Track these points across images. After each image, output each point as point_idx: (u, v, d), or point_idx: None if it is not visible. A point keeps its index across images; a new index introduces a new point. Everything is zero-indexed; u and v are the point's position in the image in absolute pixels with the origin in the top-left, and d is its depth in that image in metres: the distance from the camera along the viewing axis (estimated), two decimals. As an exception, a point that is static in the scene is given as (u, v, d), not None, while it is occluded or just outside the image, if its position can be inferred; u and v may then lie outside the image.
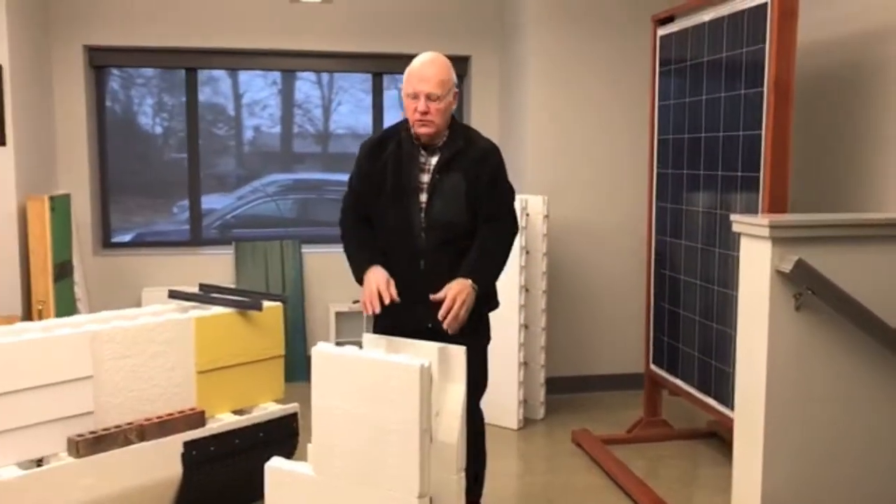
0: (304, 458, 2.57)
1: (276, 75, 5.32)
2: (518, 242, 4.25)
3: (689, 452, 4.03)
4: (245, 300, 3.25)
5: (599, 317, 4.93)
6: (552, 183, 4.75)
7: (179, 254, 5.10)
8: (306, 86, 5.40)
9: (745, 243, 2.74)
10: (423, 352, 2.50)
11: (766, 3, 3.11)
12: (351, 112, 5.39)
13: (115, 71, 5.13)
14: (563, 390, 4.82)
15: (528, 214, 4.34)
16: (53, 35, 4.77)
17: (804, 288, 2.59)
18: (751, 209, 3.21)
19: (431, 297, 2.71)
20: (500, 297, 4.36)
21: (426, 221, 2.79)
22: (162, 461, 2.94)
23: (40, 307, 4.18)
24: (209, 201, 5.35)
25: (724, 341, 3.41)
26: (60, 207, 4.39)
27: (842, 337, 2.68)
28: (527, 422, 4.42)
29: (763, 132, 3.14)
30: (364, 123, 5.39)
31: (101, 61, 4.95)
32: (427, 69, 2.77)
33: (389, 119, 5.36)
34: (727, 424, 3.24)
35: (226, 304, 3.24)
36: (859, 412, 2.74)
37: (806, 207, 3.53)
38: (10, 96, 4.15)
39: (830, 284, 2.60)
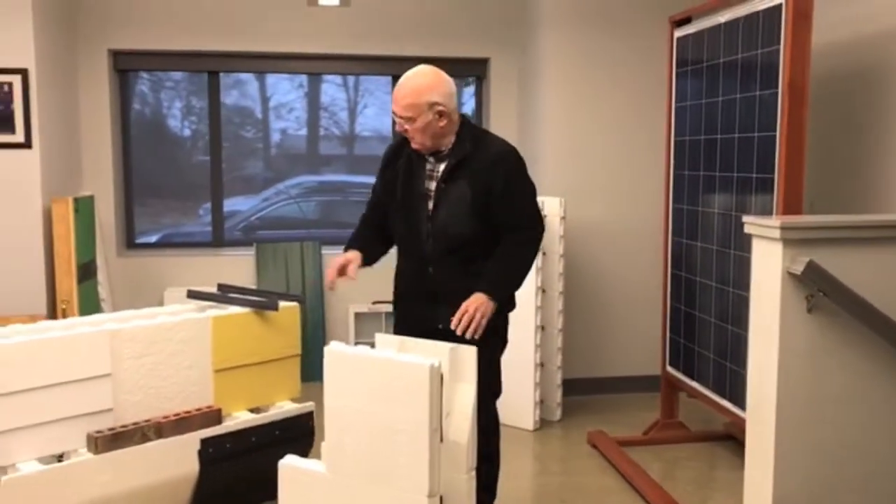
0: (319, 456, 2.61)
1: (303, 78, 5.38)
2: (535, 244, 4.27)
3: (705, 455, 4.02)
4: (261, 300, 3.30)
5: (616, 318, 4.92)
6: (569, 184, 4.76)
7: (202, 255, 5.17)
8: (332, 88, 5.45)
9: (756, 245, 2.74)
10: (435, 352, 2.53)
11: (780, 5, 3.10)
12: (376, 114, 5.43)
13: (144, 74, 5.22)
14: (580, 392, 4.82)
15: (545, 216, 4.35)
16: (79, 39, 4.86)
17: (816, 290, 2.58)
18: (766, 211, 3.20)
19: (452, 326, 2.73)
20: (517, 298, 4.39)
21: (431, 229, 2.82)
22: (179, 458, 2.99)
23: (64, 307, 4.26)
24: (236, 203, 5.43)
25: (739, 343, 3.40)
26: (84, 209, 4.47)
27: (854, 339, 2.67)
28: (543, 423, 4.43)
29: (778, 133, 3.13)
30: (389, 126, 5.43)
31: (125, 65, 5.04)
32: (398, 92, 2.78)
33: (410, 121, 5.39)
34: (743, 426, 3.23)
35: (243, 303, 3.29)
36: (872, 414, 2.72)
37: (821, 209, 3.51)
38: (36, 100, 4.25)
39: (842, 286, 2.59)
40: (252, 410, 3.29)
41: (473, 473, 2.53)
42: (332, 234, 5.40)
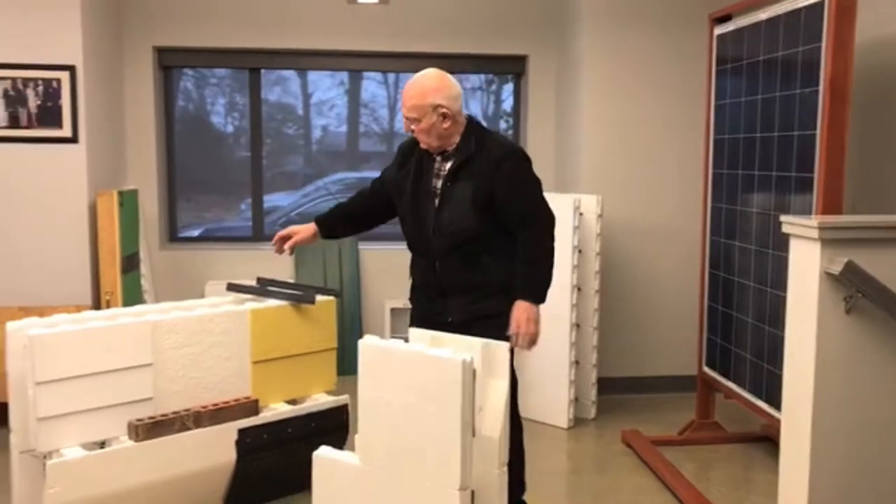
0: (353, 448, 2.64)
1: (344, 75, 5.43)
2: (570, 241, 4.27)
3: (741, 456, 3.98)
4: (299, 294, 3.35)
5: (652, 317, 4.90)
6: (606, 182, 4.75)
7: (242, 249, 5.26)
8: (372, 85, 5.50)
9: (794, 244, 2.71)
10: (468, 347, 2.55)
11: (822, 1, 3.06)
12: (417, 112, 5.46)
13: (188, 71, 5.32)
14: (615, 390, 4.81)
15: (581, 213, 4.34)
16: (124, 37, 4.97)
17: (854, 290, 2.55)
18: (805, 211, 3.16)
19: (512, 345, 2.84)
20: (553, 295, 4.38)
21: (436, 226, 2.92)
22: (217, 447, 3.05)
23: (108, 298, 4.36)
24: (277, 199, 5.50)
25: (776, 344, 3.36)
26: (129, 202, 4.57)
27: (893, 340, 2.63)
28: (577, 421, 4.42)
29: (818, 132, 3.09)
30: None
31: (169, 62, 5.14)
32: (405, 93, 2.91)
33: (447, 118, 5.41)
34: (779, 428, 3.20)
35: (280, 297, 3.34)
36: (912, 418, 2.68)
37: (863, 210, 3.46)
38: (83, 96, 4.35)
39: (881, 287, 2.55)
40: (288, 402, 3.35)
41: (506, 469, 2.55)
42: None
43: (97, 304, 4.44)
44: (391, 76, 5.45)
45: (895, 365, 2.64)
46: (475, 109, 5.54)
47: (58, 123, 4.34)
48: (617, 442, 4.15)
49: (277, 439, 3.20)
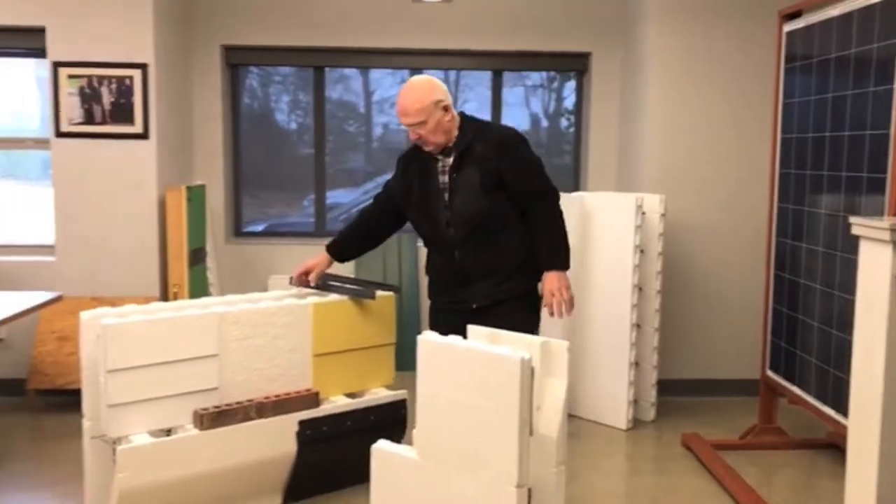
0: (410, 444, 2.67)
1: (405, 73, 5.47)
2: (632, 241, 4.23)
3: (805, 463, 3.89)
4: (360, 289, 3.40)
5: (715, 319, 4.82)
6: (670, 181, 4.69)
7: (304, 244, 5.33)
8: (433, 83, 5.52)
9: (864, 246, 2.64)
10: (526, 345, 2.55)
11: (898, -3, 2.97)
12: (476, 109, 5.46)
13: (253, 69, 5.42)
14: (675, 393, 4.74)
15: (644, 213, 4.30)
16: (194, 35, 5.09)
17: (927, 295, 2.47)
18: (876, 212, 3.07)
19: (549, 314, 3.04)
20: (613, 295, 4.37)
21: (451, 218, 3.04)
22: (278, 438, 3.12)
23: (176, 290, 4.49)
24: (337, 196, 5.57)
25: (844, 349, 3.28)
26: (196, 198, 4.69)
27: (969, 348, 2.54)
28: (636, 422, 4.38)
29: (892, 131, 3.00)
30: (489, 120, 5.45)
31: (236, 60, 5.25)
32: (403, 104, 3.00)
33: (510, 116, 5.41)
34: (845, 435, 3.12)
35: (342, 292, 3.40)
36: None
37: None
38: (154, 93, 4.48)
39: (957, 293, 2.46)
40: (348, 395, 3.40)
41: (563, 468, 2.55)
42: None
43: (165, 296, 4.57)
44: (451, 74, 5.47)
45: (970, 373, 2.55)
46: (536, 107, 5.52)
47: (130, 120, 4.48)
48: (676, 445, 4.10)
49: (337, 432, 3.26)
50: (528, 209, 3.05)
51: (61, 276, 4.53)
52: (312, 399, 3.22)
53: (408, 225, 3.33)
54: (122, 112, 4.47)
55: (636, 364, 4.35)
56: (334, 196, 5.54)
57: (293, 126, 5.55)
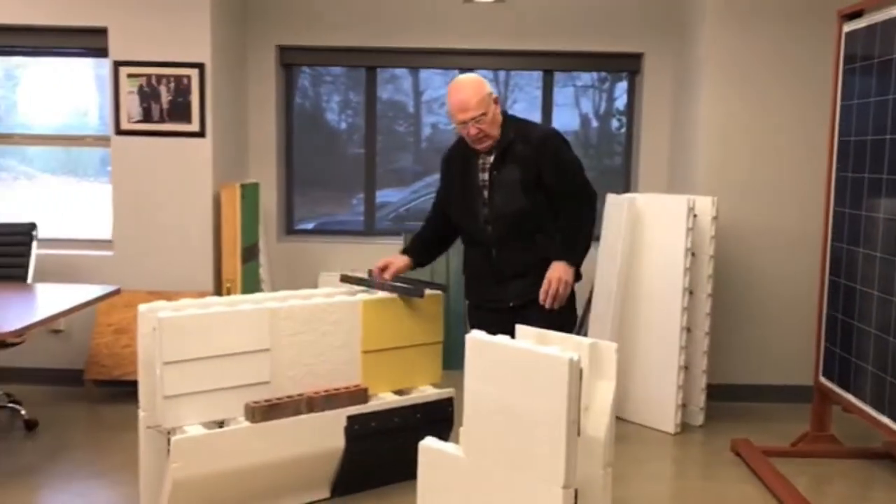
0: (457, 442, 2.68)
1: (455, 73, 5.48)
2: (684, 243, 4.19)
3: (859, 473, 3.81)
4: (408, 287, 3.42)
5: (767, 324, 4.74)
6: (723, 183, 4.62)
7: (354, 242, 5.40)
8: (483, 83, 5.53)
9: (924, 253, 2.58)
10: (574, 346, 2.55)
11: (964, -3, 2.89)
12: (526, 109, 5.46)
13: (305, 69, 5.50)
14: (725, 398, 4.68)
15: (695, 215, 4.25)
16: (249, 35, 5.18)
17: None
18: (938, 217, 3.00)
19: (541, 301, 3.03)
20: (663, 297, 4.34)
21: (490, 215, 3.09)
22: (327, 433, 3.16)
23: (229, 286, 4.57)
24: (386, 195, 5.62)
25: (901, 357, 3.21)
26: (250, 195, 4.77)
27: None
28: (684, 427, 4.33)
29: (955, 135, 2.92)
30: (539, 121, 5.43)
31: (290, 60, 5.33)
32: (462, 99, 3.00)
33: (560, 117, 5.40)
34: (900, 445, 3.06)
35: (391, 289, 3.43)
36: None
37: None
38: (210, 92, 4.57)
39: None
40: (395, 393, 3.43)
41: (610, 470, 2.54)
42: (478, 226, 5.48)
43: (218, 291, 4.66)
44: (501, 74, 5.47)
45: None
46: (586, 108, 5.50)
47: (187, 118, 4.58)
48: (725, 450, 4.05)
49: (384, 428, 3.29)
50: (560, 204, 3.08)
51: (119, 270, 4.65)
52: (361, 395, 3.26)
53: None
54: (179, 110, 4.57)
55: (685, 368, 4.31)
56: (383, 195, 5.58)
57: (343, 126, 5.61)
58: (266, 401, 3.05)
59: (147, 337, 2.98)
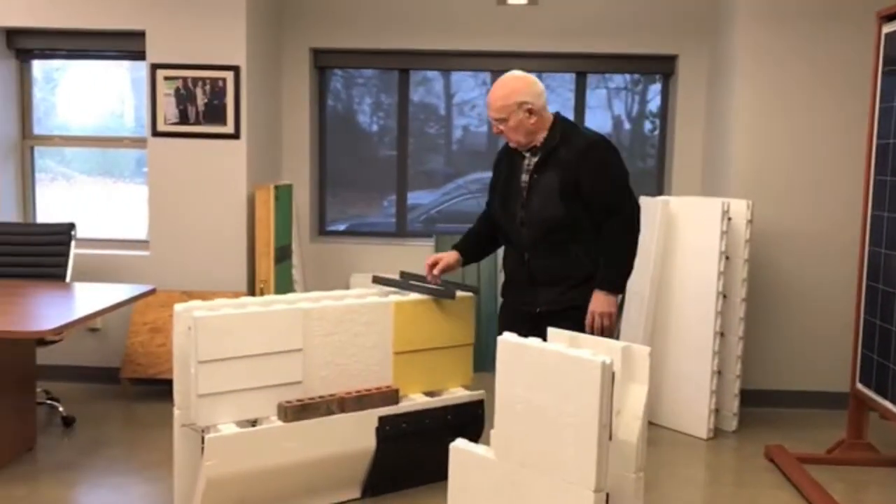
0: (488, 443, 2.69)
1: (486, 75, 5.49)
2: (718, 247, 4.15)
3: (897, 481, 3.75)
4: (440, 289, 3.43)
5: (802, 329, 4.68)
6: (758, 186, 4.58)
7: (386, 244, 5.42)
8: (514, 85, 5.52)
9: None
10: (607, 349, 2.54)
11: None
12: (558, 111, 5.45)
13: (337, 71, 5.53)
14: (759, 403, 4.63)
15: (730, 218, 4.21)
16: (284, 38, 5.23)
17: None
18: (980, 222, 2.94)
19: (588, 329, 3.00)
20: (696, 301, 4.30)
21: (526, 218, 3.06)
22: (358, 433, 3.18)
23: (262, 286, 4.62)
24: (417, 197, 5.64)
25: (941, 364, 3.15)
26: (283, 196, 4.81)
27: None
28: (717, 432, 4.29)
29: None
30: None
31: (323, 62, 5.37)
32: (491, 97, 3.04)
33: (592, 119, 5.38)
34: (940, 453, 3.00)
35: (422, 291, 3.44)
36: None
37: None
38: (245, 94, 4.62)
39: None
40: (426, 394, 3.44)
41: (642, 474, 2.53)
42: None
43: (252, 292, 4.71)
44: (534, 76, 5.45)
45: None
46: (619, 110, 5.47)
47: (222, 120, 4.63)
48: (759, 456, 4.00)
49: (415, 429, 3.30)
50: (601, 223, 3.01)
51: (154, 270, 4.72)
52: (392, 396, 3.27)
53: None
54: (214, 112, 4.63)
55: (719, 373, 4.27)
56: (414, 197, 5.60)
57: (375, 128, 5.63)
58: (298, 400, 3.07)
59: (182, 336, 3.02)
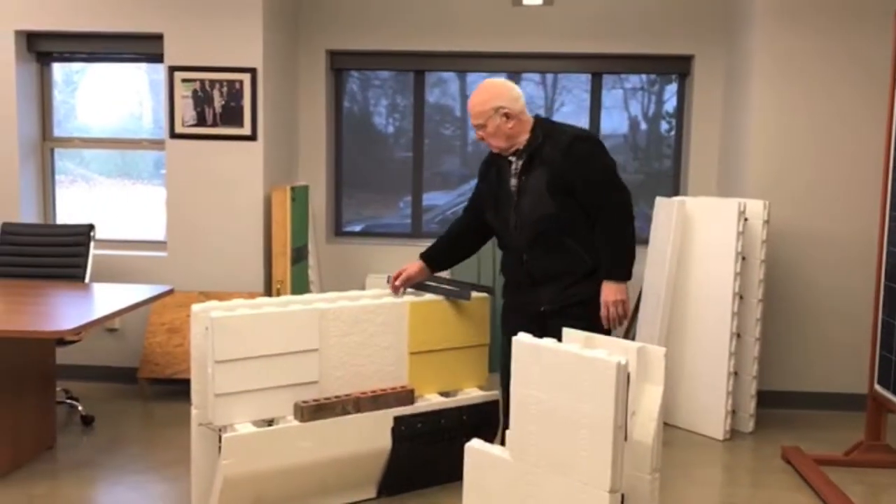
0: (503, 443, 2.69)
1: (504, 77, 5.49)
2: (734, 247, 4.13)
3: (916, 483, 3.72)
4: (455, 289, 3.44)
5: (819, 330, 4.65)
6: (775, 186, 4.56)
7: (401, 244, 5.43)
8: (530, 86, 5.52)
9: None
10: (622, 349, 2.54)
11: None
12: (573, 112, 5.44)
13: (353, 73, 5.56)
14: (776, 404, 4.60)
15: (746, 219, 4.19)
16: (300, 41, 5.26)
17: None
18: None
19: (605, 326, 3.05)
20: (712, 302, 4.28)
21: (518, 221, 3.09)
22: (374, 433, 3.19)
23: (279, 287, 4.64)
24: (433, 198, 5.65)
25: (960, 365, 3.12)
26: (300, 197, 4.84)
27: None
28: (734, 433, 4.27)
29: None
30: (586, 125, 5.41)
31: (340, 64, 5.39)
32: (469, 104, 3.12)
33: (608, 119, 5.37)
34: (959, 455, 2.98)
35: (438, 292, 3.45)
36: None
37: None
38: (262, 97, 4.65)
39: None
40: (441, 394, 3.45)
41: (657, 475, 2.53)
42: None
43: (268, 292, 4.73)
44: (549, 76, 5.46)
45: None
46: (635, 110, 5.46)
47: (239, 122, 4.66)
48: (776, 457, 3.98)
49: (430, 429, 3.31)
50: (595, 216, 3.04)
51: (172, 271, 4.76)
52: (408, 396, 3.28)
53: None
54: (231, 114, 4.66)
55: (735, 374, 4.25)
56: (430, 198, 5.61)
57: (390, 129, 5.65)
58: (314, 400, 3.09)
59: (200, 336, 3.04)
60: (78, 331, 3.22)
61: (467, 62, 5.36)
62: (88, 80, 5.20)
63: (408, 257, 5.27)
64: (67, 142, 5.14)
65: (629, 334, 4.79)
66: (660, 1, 5.08)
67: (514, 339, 2.62)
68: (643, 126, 5.48)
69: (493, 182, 3.22)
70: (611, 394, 2.35)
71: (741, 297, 4.22)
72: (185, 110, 4.68)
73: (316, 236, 5.30)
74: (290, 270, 4.66)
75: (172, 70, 4.67)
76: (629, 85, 5.43)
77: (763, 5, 4.54)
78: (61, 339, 3.95)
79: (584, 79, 5.38)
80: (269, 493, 3.05)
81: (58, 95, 5.17)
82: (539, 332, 2.73)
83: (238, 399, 2.98)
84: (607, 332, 3.13)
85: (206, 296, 4.62)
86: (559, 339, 2.66)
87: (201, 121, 4.68)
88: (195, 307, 3.07)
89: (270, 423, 3.07)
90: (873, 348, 3.91)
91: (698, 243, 4.29)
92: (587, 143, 3.07)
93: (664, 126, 5.46)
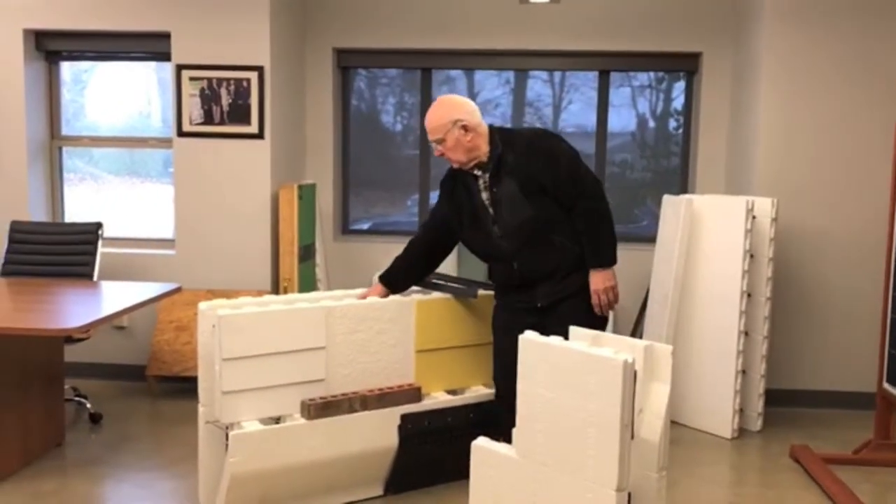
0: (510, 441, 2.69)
1: (510, 74, 5.49)
2: (742, 245, 4.12)
3: (925, 482, 3.70)
4: (462, 287, 3.44)
5: (828, 329, 4.63)
6: (783, 185, 4.54)
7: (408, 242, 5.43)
8: (538, 84, 5.51)
9: None
10: (629, 348, 2.53)
11: None
12: (581, 110, 5.43)
13: (361, 71, 5.56)
14: (784, 403, 4.59)
15: (754, 217, 4.18)
16: (307, 39, 5.26)
17: None
18: None
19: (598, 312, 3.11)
20: (720, 300, 4.27)
21: (501, 231, 3.09)
22: (381, 430, 3.20)
23: (286, 285, 4.65)
24: (439, 196, 5.64)
25: (970, 364, 3.10)
26: (307, 196, 4.84)
27: None
28: (742, 432, 4.26)
29: None
30: (594, 122, 5.39)
31: (347, 62, 5.39)
32: (426, 120, 3.14)
33: (616, 117, 5.35)
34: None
35: (444, 290, 3.45)
36: None
37: None
38: (269, 95, 4.66)
39: None
40: (448, 392, 3.45)
41: (665, 474, 2.52)
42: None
43: (276, 290, 4.74)
44: (556, 74, 5.45)
45: None
46: (643, 108, 5.44)
47: (246, 120, 4.67)
48: (784, 456, 3.97)
49: (437, 427, 3.31)
50: (570, 208, 3.08)
51: (180, 269, 4.77)
52: (414, 393, 3.28)
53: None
54: (239, 113, 4.67)
55: (743, 372, 4.23)
56: (436, 197, 5.60)
57: (398, 127, 5.65)
58: (321, 398, 3.09)
59: (207, 334, 3.05)
60: (86, 328, 3.23)
61: (475, 60, 5.35)
62: (97, 79, 5.21)
63: (369, 287, 5.27)
64: (76, 140, 5.16)
65: (636, 332, 4.78)
66: (667, -2, 5.07)
67: (521, 337, 2.61)
68: (651, 124, 5.47)
69: (463, 199, 3.21)
70: (618, 392, 2.34)
71: (749, 296, 4.21)
72: (193, 109, 4.69)
73: (323, 234, 5.30)
74: (298, 269, 4.67)
75: (180, 68, 4.68)
76: (637, 82, 5.41)
77: (771, 4, 4.52)
78: (69, 337, 3.96)
79: (592, 76, 5.37)
80: (276, 490, 3.06)
81: (66, 94, 5.19)
82: (538, 326, 2.78)
83: (245, 397, 2.99)
84: (604, 318, 3.18)
85: (213, 294, 4.63)
86: (558, 332, 2.65)
87: (209, 119, 4.69)
88: (202, 305, 3.08)
89: (277, 420, 3.08)
90: (882, 346, 3.89)
91: (706, 241, 4.28)
92: (545, 140, 3.14)
93: (672, 124, 5.44)
